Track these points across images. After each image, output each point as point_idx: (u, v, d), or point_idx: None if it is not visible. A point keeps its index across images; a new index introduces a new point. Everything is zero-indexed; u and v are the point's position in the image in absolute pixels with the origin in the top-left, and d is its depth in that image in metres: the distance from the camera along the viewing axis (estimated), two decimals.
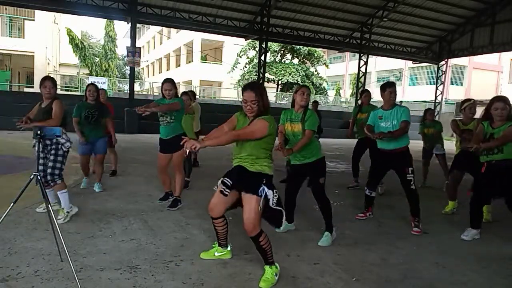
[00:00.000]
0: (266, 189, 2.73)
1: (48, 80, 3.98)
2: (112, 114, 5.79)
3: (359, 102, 6.54)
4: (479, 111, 4.91)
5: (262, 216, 2.77)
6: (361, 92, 6.51)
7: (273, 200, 2.73)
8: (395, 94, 4.27)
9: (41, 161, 3.74)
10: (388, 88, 4.23)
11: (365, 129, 4.56)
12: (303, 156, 3.70)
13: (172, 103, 4.44)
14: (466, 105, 4.96)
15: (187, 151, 2.47)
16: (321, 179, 3.71)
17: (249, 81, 26.26)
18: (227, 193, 2.81)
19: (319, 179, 3.71)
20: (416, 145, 8.92)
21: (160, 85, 4.68)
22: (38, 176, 2.86)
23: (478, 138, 3.95)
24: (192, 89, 25.35)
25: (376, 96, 6.25)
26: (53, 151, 3.79)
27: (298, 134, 3.68)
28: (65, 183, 3.98)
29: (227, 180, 2.81)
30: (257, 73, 19.70)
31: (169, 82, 4.53)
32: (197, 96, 11.51)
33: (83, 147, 5.20)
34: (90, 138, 5.15)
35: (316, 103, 9.13)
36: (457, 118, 5.21)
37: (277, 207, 2.75)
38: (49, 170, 3.75)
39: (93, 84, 5.38)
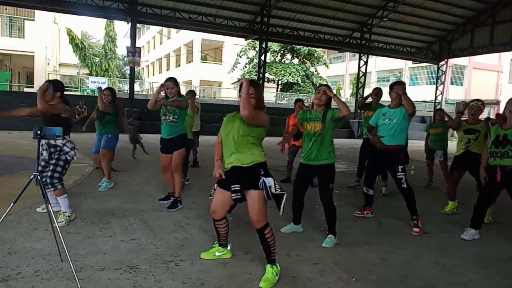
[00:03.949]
0: (264, 179, 2.77)
1: None
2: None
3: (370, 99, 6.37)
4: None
5: (272, 198, 2.78)
6: (373, 90, 6.40)
7: (275, 187, 2.77)
8: None
9: (41, 162, 3.75)
10: (396, 86, 4.26)
11: (365, 130, 4.58)
12: (318, 157, 3.64)
13: (180, 100, 4.49)
14: (471, 105, 4.84)
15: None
16: (331, 184, 3.68)
17: None
18: (239, 196, 2.82)
19: (329, 184, 3.67)
20: (418, 145, 8.94)
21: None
22: (38, 176, 2.86)
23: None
24: (192, 89, 25.36)
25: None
26: (56, 156, 3.79)
27: (318, 133, 3.61)
28: (65, 187, 3.95)
29: (235, 187, 2.80)
30: (257, 73, 19.70)
31: (171, 80, 4.57)
32: (196, 96, 11.48)
33: (95, 145, 5.83)
34: (98, 132, 5.81)
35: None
36: (463, 118, 5.06)
37: (280, 192, 2.78)
38: (48, 174, 3.72)
39: (108, 89, 5.88)
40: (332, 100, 3.65)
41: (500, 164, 3.79)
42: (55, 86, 3.89)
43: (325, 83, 30.82)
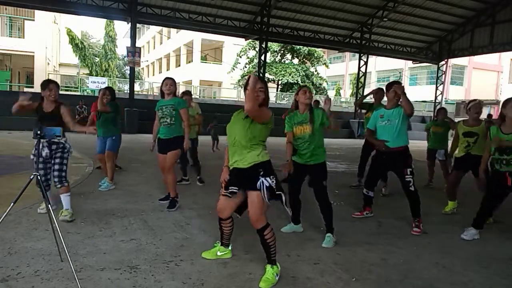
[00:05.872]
0: (263, 180, 2.74)
1: (52, 83, 4.04)
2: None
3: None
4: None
5: (269, 201, 2.77)
6: (374, 89, 6.39)
7: (273, 186, 2.74)
8: None
9: (41, 165, 3.76)
10: (395, 85, 4.22)
11: (365, 135, 4.58)
12: (310, 157, 3.65)
13: (187, 116, 4.67)
14: (471, 105, 4.87)
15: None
16: (324, 181, 3.71)
17: None
18: (235, 191, 2.86)
19: (322, 181, 3.69)
20: (418, 145, 8.95)
21: (160, 85, 4.76)
22: (38, 176, 2.86)
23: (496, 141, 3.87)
24: (192, 89, 25.36)
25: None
26: (59, 154, 3.86)
27: (309, 134, 3.60)
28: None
29: (233, 189, 2.84)
30: (257, 73, 19.71)
31: (170, 79, 4.73)
32: (193, 96, 11.43)
33: (99, 146, 5.73)
34: (100, 134, 5.66)
35: (317, 102, 9.14)
36: (463, 119, 5.07)
37: (278, 192, 2.77)
38: (57, 173, 3.83)
39: (106, 88, 5.82)
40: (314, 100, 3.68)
41: (508, 170, 3.80)
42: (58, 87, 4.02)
43: (325, 82, 30.82)
